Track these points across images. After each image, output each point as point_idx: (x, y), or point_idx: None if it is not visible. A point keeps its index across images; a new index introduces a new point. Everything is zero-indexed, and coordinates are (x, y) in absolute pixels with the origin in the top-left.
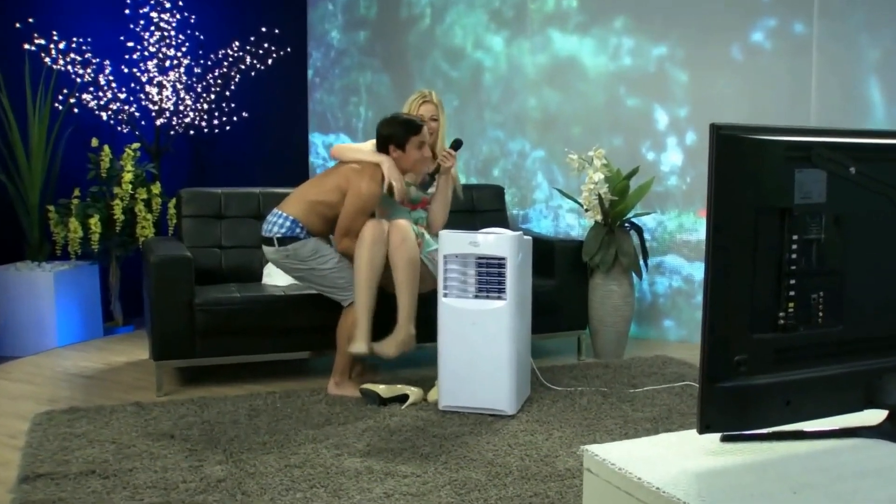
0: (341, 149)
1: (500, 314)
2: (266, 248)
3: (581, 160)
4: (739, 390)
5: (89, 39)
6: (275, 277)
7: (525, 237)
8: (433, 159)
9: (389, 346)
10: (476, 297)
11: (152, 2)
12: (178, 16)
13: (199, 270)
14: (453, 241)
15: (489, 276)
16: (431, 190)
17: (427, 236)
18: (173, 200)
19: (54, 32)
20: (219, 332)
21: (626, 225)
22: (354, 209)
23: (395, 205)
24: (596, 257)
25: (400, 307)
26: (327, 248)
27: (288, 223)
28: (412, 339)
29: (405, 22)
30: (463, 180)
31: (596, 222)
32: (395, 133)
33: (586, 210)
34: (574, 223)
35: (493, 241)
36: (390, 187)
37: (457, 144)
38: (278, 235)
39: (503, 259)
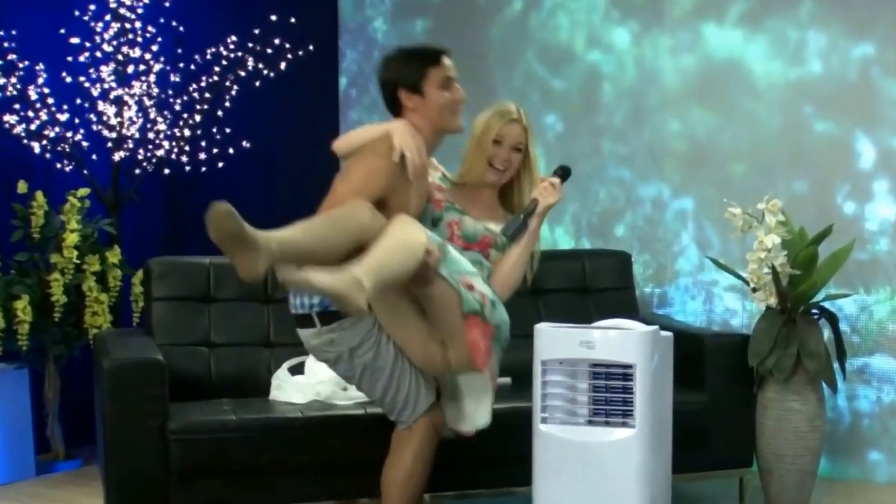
0: (345, 138)
1: (627, 448)
2: (302, 333)
3: (746, 216)
4: None
5: (14, 33)
6: (288, 391)
7: (663, 333)
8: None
9: (321, 275)
10: (590, 423)
11: None
12: None
13: (176, 380)
14: (556, 341)
15: (610, 393)
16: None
17: (452, 251)
18: (139, 274)
19: None
20: (205, 471)
21: (815, 312)
22: (340, 194)
23: (436, 231)
24: (768, 360)
25: (366, 253)
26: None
27: None
28: (357, 287)
29: (484, 7)
30: (570, 244)
31: (768, 307)
32: (402, 72)
33: (754, 290)
34: (736, 307)
35: (615, 339)
36: (403, 159)
37: (564, 173)
38: (318, 309)
39: (630, 367)
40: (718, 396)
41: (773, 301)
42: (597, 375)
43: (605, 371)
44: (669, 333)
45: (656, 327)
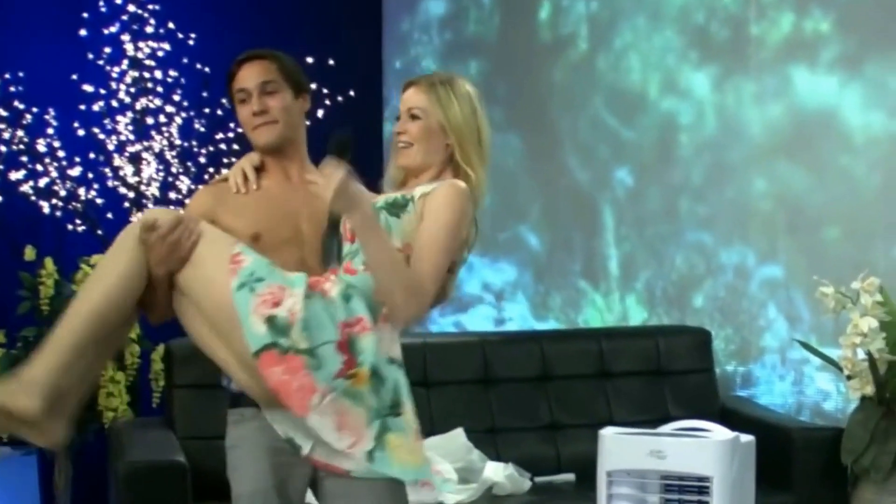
0: None
1: None
2: None
3: (839, 296)
4: None
5: (21, 75)
6: None
7: (744, 438)
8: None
9: None
10: None
11: (124, 17)
12: (166, 43)
13: (202, 480)
14: (623, 449)
15: None
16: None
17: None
18: (159, 350)
19: None
20: None
21: None
22: None
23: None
24: (864, 457)
25: None
26: (249, 459)
27: None
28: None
29: (547, 47)
30: (644, 314)
31: (864, 398)
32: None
33: (848, 377)
34: (830, 388)
35: (689, 449)
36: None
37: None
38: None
39: (706, 480)
40: (807, 498)
41: (869, 391)
42: (669, 488)
43: (679, 484)
44: (751, 438)
45: (736, 435)
